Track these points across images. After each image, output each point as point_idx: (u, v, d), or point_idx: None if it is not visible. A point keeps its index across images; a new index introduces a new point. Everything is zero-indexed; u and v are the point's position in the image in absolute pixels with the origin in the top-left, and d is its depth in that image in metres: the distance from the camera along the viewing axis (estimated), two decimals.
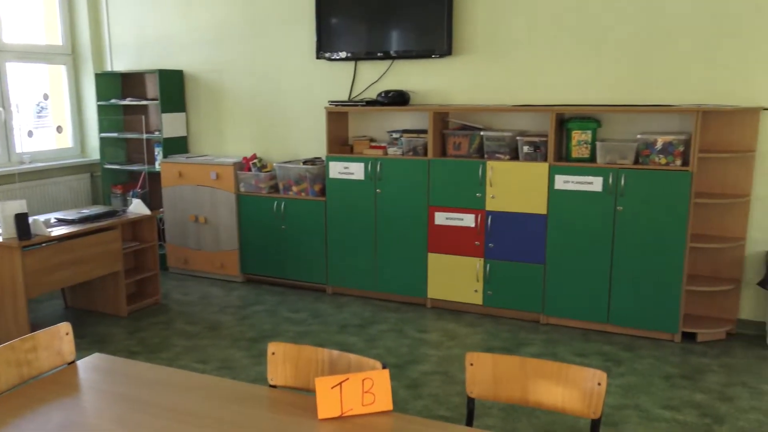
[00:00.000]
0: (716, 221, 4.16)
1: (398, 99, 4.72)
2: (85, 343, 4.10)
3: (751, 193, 4.06)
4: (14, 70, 5.60)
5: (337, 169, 4.82)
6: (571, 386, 1.84)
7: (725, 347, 3.99)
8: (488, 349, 3.96)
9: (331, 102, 4.91)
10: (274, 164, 5.17)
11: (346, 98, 5.13)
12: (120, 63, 6.07)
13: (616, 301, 4.14)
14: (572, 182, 4.13)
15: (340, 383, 1.73)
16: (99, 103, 5.85)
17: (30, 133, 5.81)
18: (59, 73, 6.06)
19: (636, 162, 4.06)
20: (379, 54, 4.87)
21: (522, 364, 1.91)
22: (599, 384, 1.80)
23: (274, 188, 5.22)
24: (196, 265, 5.52)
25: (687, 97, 4.16)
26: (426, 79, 4.87)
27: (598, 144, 4.10)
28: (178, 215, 5.50)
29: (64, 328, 2.11)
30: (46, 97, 6.02)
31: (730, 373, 3.62)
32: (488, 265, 4.45)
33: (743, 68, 4.01)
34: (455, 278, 4.57)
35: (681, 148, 3.93)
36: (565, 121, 4.27)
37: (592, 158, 4.18)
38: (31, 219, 4.03)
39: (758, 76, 3.98)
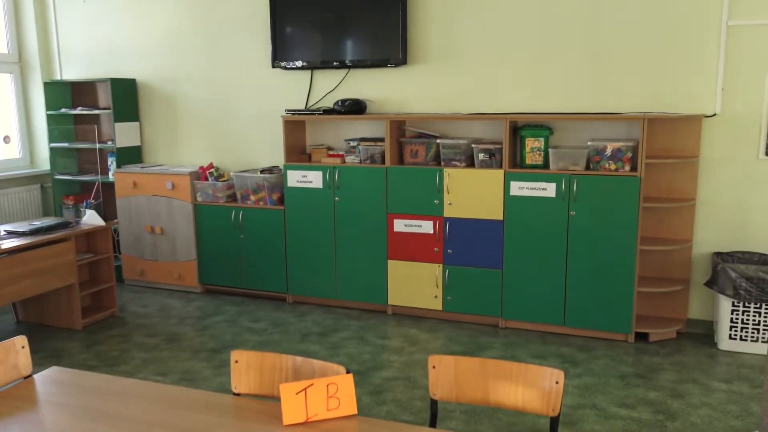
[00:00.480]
0: (664, 224, 4.31)
1: (355, 108, 4.76)
2: (39, 358, 3.99)
3: (696, 196, 4.23)
4: None
5: (295, 178, 4.82)
6: (530, 385, 1.90)
7: (676, 346, 4.13)
8: (449, 354, 4.01)
9: (288, 111, 4.91)
10: (232, 173, 5.14)
11: (302, 107, 5.14)
12: (70, 71, 5.95)
13: (571, 304, 4.25)
14: (527, 188, 4.23)
15: (305, 389, 1.74)
16: (48, 112, 5.72)
17: None
18: (5, 81, 5.90)
19: (587, 168, 4.19)
20: (335, 63, 4.90)
21: (483, 366, 1.95)
22: (557, 382, 1.86)
23: (232, 197, 5.18)
24: (153, 276, 5.43)
25: (634, 105, 4.32)
26: (382, 87, 4.92)
27: (551, 151, 4.22)
28: (133, 226, 5.41)
29: (20, 341, 2.07)
30: None
31: (681, 371, 3.75)
32: (447, 271, 4.51)
33: (685, 78, 4.18)
34: (415, 284, 4.61)
35: (629, 155, 4.07)
36: (519, 128, 4.38)
37: (546, 165, 4.29)
38: None
39: (699, 85, 4.15)
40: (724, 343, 4.02)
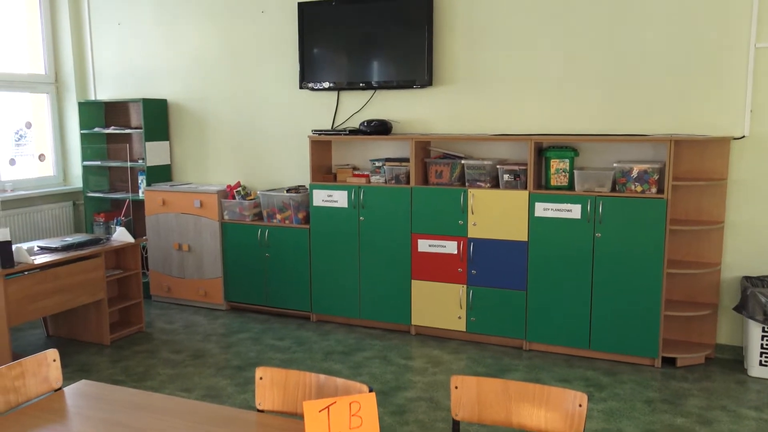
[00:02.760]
0: (692, 247, 4.26)
1: (380, 128, 4.81)
2: (68, 372, 4.06)
3: (724, 219, 4.18)
4: None
5: (320, 197, 4.87)
6: (553, 408, 1.89)
7: (704, 372, 4.06)
8: (472, 375, 3.99)
9: (315, 131, 4.98)
10: (258, 192, 5.21)
11: (329, 127, 5.21)
12: (104, 92, 6.11)
13: (597, 327, 4.21)
14: (552, 209, 4.22)
15: (328, 407, 1.76)
16: (82, 131, 5.87)
17: (12, 161, 5.80)
18: (42, 101, 6.08)
19: (613, 190, 4.17)
20: (361, 84, 4.97)
21: (505, 387, 1.95)
22: (580, 405, 1.85)
23: (258, 216, 5.25)
24: (179, 293, 5.50)
25: (660, 126, 4.29)
26: (407, 108, 4.97)
27: (576, 172, 4.21)
28: (161, 243, 5.50)
29: (51, 354, 2.12)
30: (29, 125, 6.03)
31: (709, 397, 3.68)
32: (471, 292, 4.50)
33: (713, 100, 4.15)
34: (439, 305, 4.61)
35: (656, 176, 4.04)
36: (544, 150, 4.38)
37: (571, 186, 4.28)
38: (14, 247, 4.02)
39: (727, 107, 4.12)
40: (755, 370, 3.94)
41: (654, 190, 4.05)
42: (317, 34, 5.06)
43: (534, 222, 4.28)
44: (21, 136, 5.99)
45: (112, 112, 6.05)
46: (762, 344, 3.88)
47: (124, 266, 4.85)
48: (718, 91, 4.14)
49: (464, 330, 4.57)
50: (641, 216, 4.01)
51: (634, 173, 4.08)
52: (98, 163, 5.92)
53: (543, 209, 4.24)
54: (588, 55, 4.42)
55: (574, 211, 4.16)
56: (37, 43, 6.01)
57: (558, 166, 4.30)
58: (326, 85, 5.08)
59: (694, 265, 4.16)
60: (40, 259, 4.12)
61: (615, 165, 4.16)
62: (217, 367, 4.16)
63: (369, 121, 4.83)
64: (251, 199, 5.22)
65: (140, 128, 5.70)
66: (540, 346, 4.42)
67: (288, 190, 5.12)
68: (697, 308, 4.17)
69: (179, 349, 4.50)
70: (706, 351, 4.20)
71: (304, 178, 5.32)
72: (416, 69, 4.77)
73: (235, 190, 5.27)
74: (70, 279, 4.27)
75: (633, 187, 4.09)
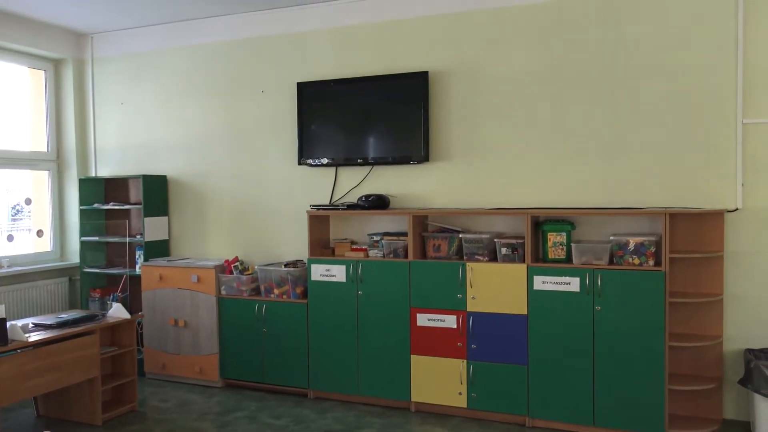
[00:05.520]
0: (693, 320, 4.24)
1: (378, 203, 4.86)
2: None
3: (723, 291, 4.18)
4: None
5: (318, 272, 4.87)
6: None
7: None
8: None
9: (313, 206, 5.03)
10: (256, 267, 5.20)
11: (327, 202, 5.26)
12: (104, 168, 6.19)
13: (600, 403, 4.13)
14: (550, 282, 4.22)
15: None
16: (82, 207, 5.91)
17: (10, 237, 5.81)
18: (43, 177, 6.14)
19: (611, 262, 4.18)
20: (358, 160, 5.06)
21: None
22: None
23: (256, 291, 5.22)
24: (174, 370, 5.40)
25: (655, 199, 4.36)
26: (405, 183, 5.04)
27: (573, 245, 4.23)
28: (157, 319, 5.44)
29: None
30: (28, 201, 6.07)
31: None
32: (471, 367, 4.44)
33: (705, 173, 4.24)
34: (439, 380, 4.53)
35: (653, 249, 4.07)
36: (540, 223, 4.42)
37: (569, 259, 4.30)
38: (8, 324, 3.97)
39: (719, 180, 4.21)
40: None
41: (651, 262, 4.07)
42: (315, 111, 5.19)
43: (533, 295, 4.27)
44: (18, 211, 6.03)
45: (112, 188, 6.11)
46: None
47: (119, 343, 4.77)
48: (710, 165, 4.23)
49: (465, 406, 4.47)
50: (640, 288, 4.01)
51: (631, 246, 4.11)
52: (96, 238, 5.93)
53: (542, 282, 4.24)
54: (582, 130, 4.53)
55: (573, 284, 4.16)
56: (41, 122, 6.13)
57: (555, 239, 4.33)
58: (324, 161, 5.17)
59: (696, 338, 4.13)
60: (35, 337, 4.07)
61: (612, 238, 4.19)
62: None
63: (367, 196, 4.89)
64: (249, 274, 5.21)
65: (139, 204, 5.75)
66: (543, 422, 4.32)
67: (286, 265, 5.11)
68: (701, 382, 4.11)
69: (172, 428, 4.37)
70: (714, 427, 4.11)
71: (302, 252, 5.33)
72: (413, 145, 4.87)
73: (232, 265, 5.26)
74: (64, 356, 4.19)
75: (630, 259, 4.11)
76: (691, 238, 4.22)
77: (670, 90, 4.31)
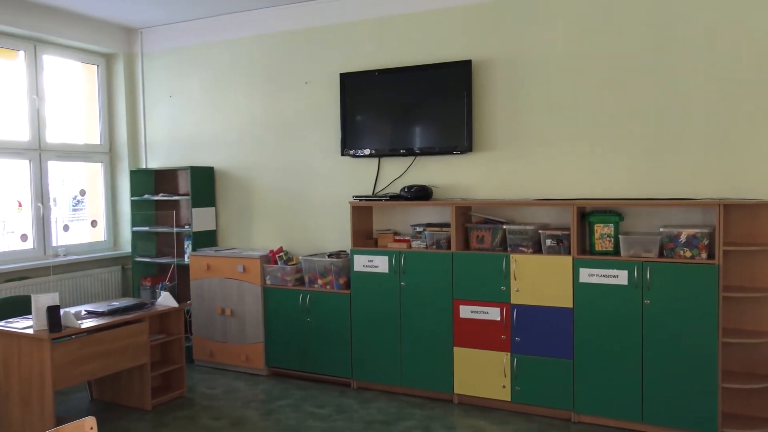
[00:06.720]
0: (748, 315, 4.07)
1: (421, 194, 4.83)
2: None
3: None
4: (54, 167, 5.87)
5: (361, 262, 4.87)
6: None
7: None
8: None
9: (356, 197, 5.03)
10: (300, 257, 5.25)
11: (370, 193, 5.26)
12: (154, 160, 6.34)
13: (649, 399, 4.02)
14: (597, 275, 4.12)
15: None
16: (132, 198, 6.07)
17: (66, 227, 6.01)
18: (96, 170, 6.33)
19: (661, 255, 4.05)
20: (402, 151, 5.03)
21: None
22: None
23: (300, 281, 5.27)
24: (221, 357, 5.51)
25: (707, 189, 4.19)
26: (448, 174, 4.99)
27: (621, 237, 4.12)
28: (204, 307, 5.56)
29: (89, 422, 2.12)
30: (83, 192, 6.27)
31: None
32: (515, 360, 4.38)
33: (761, 162, 4.05)
34: (482, 373, 4.49)
35: (705, 242, 3.92)
36: (587, 214, 4.31)
37: (616, 251, 4.18)
38: (62, 311, 4.11)
39: None
40: None
41: (704, 255, 3.92)
42: (358, 102, 5.18)
43: (579, 288, 4.17)
44: (78, 201, 6.24)
45: (162, 179, 6.26)
46: None
47: (167, 330, 4.89)
48: (765, 154, 4.03)
49: (509, 400, 4.42)
50: (692, 282, 3.88)
51: (683, 238, 3.97)
52: (146, 228, 6.08)
53: (588, 275, 4.14)
54: (631, 117, 4.39)
55: (621, 277, 4.05)
56: (94, 115, 6.31)
57: (602, 231, 4.21)
58: (367, 151, 5.16)
59: (752, 334, 3.96)
60: (87, 324, 4.20)
61: (662, 229, 4.06)
62: None
63: (410, 187, 4.86)
64: (293, 264, 5.26)
65: (188, 195, 5.86)
66: (589, 418, 4.23)
67: (329, 256, 5.14)
68: (757, 380, 3.95)
69: (219, 415, 4.46)
70: None
71: (345, 243, 5.34)
72: (456, 135, 4.82)
73: (277, 255, 5.32)
74: (115, 343, 4.32)
75: (682, 252, 3.97)
76: (746, 230, 4.05)
77: (724, 76, 4.12)
